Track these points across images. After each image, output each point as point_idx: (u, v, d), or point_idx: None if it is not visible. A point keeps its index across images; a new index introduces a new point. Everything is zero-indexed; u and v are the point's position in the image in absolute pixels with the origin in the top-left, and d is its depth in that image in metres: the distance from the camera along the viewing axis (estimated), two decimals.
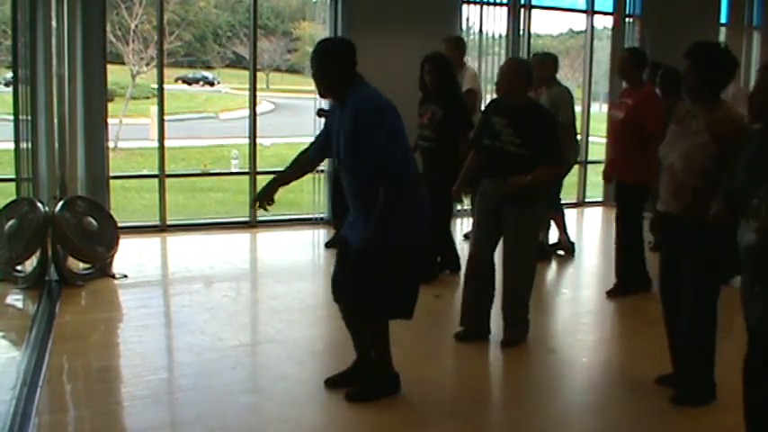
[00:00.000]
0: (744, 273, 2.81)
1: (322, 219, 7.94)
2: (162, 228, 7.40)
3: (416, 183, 3.70)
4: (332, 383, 3.92)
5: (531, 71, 4.53)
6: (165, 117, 7.62)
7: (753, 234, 2.73)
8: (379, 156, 3.48)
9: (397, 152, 3.54)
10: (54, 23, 5.98)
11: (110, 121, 7.10)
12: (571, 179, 9.70)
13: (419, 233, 3.67)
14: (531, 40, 9.01)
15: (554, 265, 6.84)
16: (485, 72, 8.48)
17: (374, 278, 3.59)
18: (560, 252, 6.94)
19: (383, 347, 3.79)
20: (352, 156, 3.56)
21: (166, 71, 8.31)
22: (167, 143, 7.62)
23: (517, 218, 4.43)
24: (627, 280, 5.58)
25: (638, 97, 5.40)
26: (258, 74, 9.41)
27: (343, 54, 3.59)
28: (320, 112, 6.75)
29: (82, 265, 5.83)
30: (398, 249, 3.58)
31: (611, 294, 5.61)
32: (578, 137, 7.05)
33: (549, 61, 6.52)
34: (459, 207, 7.14)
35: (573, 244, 6.98)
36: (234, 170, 13.67)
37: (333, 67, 3.58)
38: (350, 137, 3.53)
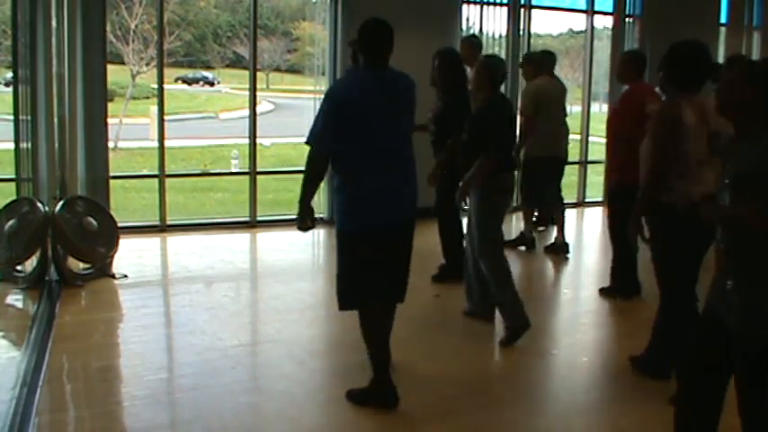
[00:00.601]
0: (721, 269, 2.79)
1: (322, 219, 7.93)
2: (162, 228, 7.40)
3: (375, 170, 3.62)
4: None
5: (489, 69, 4.69)
6: (165, 117, 7.62)
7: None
8: (311, 135, 3.60)
9: (324, 138, 3.56)
10: (54, 23, 5.99)
11: (110, 121, 7.09)
12: (570, 179, 9.74)
13: (379, 219, 3.63)
14: (531, 40, 9.02)
15: (553, 264, 6.84)
16: None
17: (343, 263, 3.69)
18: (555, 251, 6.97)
19: (369, 347, 3.74)
20: None
21: (166, 71, 8.31)
22: (167, 143, 7.62)
23: (472, 210, 4.71)
24: (620, 282, 5.61)
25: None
26: (258, 74, 9.42)
27: (361, 37, 3.69)
28: None
29: (82, 265, 5.83)
30: (355, 234, 3.62)
31: (602, 292, 5.70)
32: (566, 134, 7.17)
33: (533, 60, 7.06)
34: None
35: (567, 245, 6.99)
36: (234, 170, 13.68)
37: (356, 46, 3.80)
38: None
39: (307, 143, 3.63)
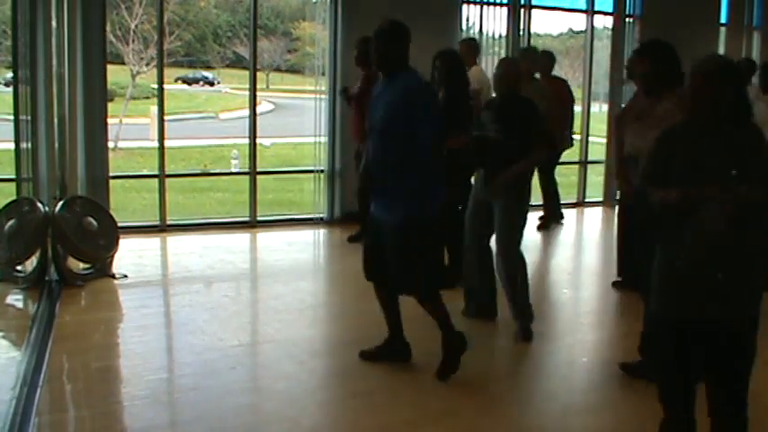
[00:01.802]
0: (705, 263, 2.78)
1: (322, 219, 7.94)
2: (162, 228, 7.40)
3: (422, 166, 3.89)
4: (366, 356, 4.18)
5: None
6: (165, 117, 7.61)
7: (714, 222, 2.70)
8: None
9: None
10: (54, 23, 5.98)
11: (110, 121, 7.09)
12: (570, 179, 9.75)
13: (429, 206, 3.93)
14: (531, 40, 9.02)
15: (553, 264, 6.84)
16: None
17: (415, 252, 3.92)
18: None
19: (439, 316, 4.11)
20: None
21: (166, 71, 8.31)
22: (167, 143, 7.61)
23: (503, 209, 4.64)
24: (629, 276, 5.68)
25: None
26: (258, 74, 9.41)
27: (404, 39, 4.10)
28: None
29: (82, 265, 5.83)
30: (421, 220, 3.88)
31: (615, 285, 5.73)
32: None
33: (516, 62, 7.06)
34: None
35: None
36: (234, 170, 13.67)
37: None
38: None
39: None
